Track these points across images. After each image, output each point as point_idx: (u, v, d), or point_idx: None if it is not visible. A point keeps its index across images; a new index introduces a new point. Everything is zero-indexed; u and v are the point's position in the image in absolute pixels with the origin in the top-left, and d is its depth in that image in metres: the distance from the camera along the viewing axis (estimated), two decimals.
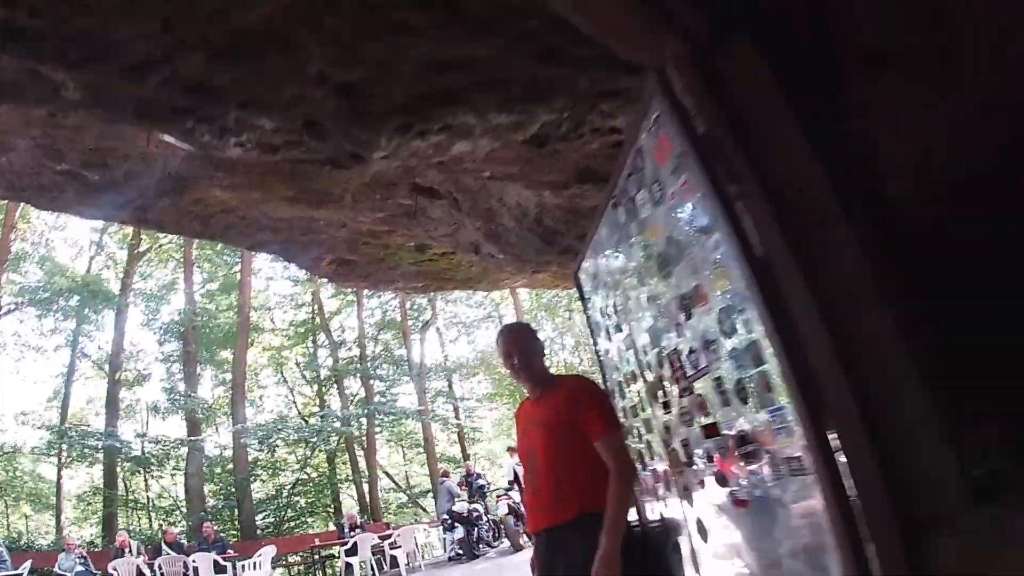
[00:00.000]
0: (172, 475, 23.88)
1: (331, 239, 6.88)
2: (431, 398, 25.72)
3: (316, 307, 27.15)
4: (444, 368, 28.38)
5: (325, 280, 25.81)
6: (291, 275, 27.36)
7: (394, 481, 30.35)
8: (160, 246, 25.24)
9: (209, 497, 22.58)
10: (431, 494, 26.41)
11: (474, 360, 30.25)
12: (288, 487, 23.84)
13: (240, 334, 23.10)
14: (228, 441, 23.70)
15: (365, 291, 26.84)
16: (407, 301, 27.10)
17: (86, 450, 21.23)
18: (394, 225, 6.33)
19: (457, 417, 26.96)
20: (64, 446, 21.26)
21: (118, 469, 21.76)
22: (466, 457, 27.37)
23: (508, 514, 13.61)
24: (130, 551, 13.16)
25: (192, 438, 20.72)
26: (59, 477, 21.74)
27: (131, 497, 23.39)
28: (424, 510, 29.31)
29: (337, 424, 22.85)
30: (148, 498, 24.06)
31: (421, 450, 28.88)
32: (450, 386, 28.65)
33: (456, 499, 15.59)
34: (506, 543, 15.31)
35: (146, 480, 23.86)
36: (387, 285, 8.38)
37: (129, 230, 23.36)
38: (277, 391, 29.37)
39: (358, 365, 26.04)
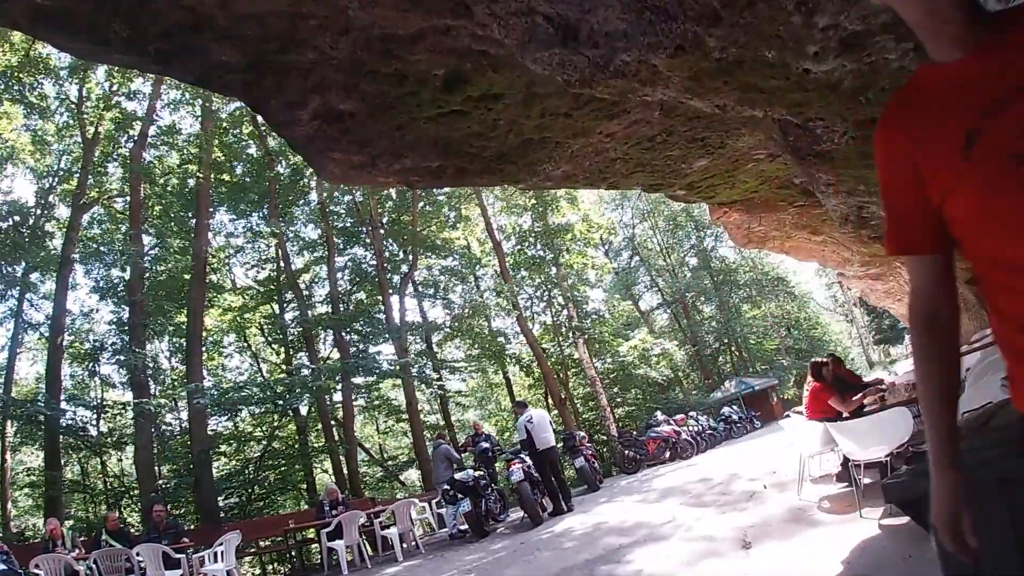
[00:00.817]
0: (118, 451, 21.17)
1: (322, 60, 4.43)
2: (412, 359, 23.32)
3: (281, 262, 24.33)
4: (424, 326, 25.83)
5: (285, 231, 23.72)
6: (251, 225, 24.68)
7: (370, 454, 28.11)
8: (108, 198, 22.32)
9: (167, 477, 19.92)
10: (415, 464, 24.19)
11: (451, 322, 27.85)
12: (254, 462, 21.14)
13: (196, 284, 20.23)
14: (186, 417, 20.95)
15: (337, 249, 24.25)
16: (384, 251, 24.59)
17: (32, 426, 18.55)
18: (427, 15, 3.91)
19: (440, 379, 24.46)
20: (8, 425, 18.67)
21: (61, 447, 18.92)
22: (449, 424, 25.13)
23: (523, 480, 11.44)
24: (62, 543, 10.59)
25: (138, 400, 17.55)
26: (2, 461, 18.87)
27: (76, 479, 20.72)
28: (402, 483, 27.23)
29: (308, 382, 20.07)
30: (106, 481, 21.35)
31: (397, 420, 26.61)
32: (430, 347, 26.17)
33: (456, 465, 13.33)
34: (513, 516, 13.18)
35: (102, 460, 21.11)
36: (388, 168, 5.91)
37: (74, 182, 20.63)
38: (240, 360, 26.77)
39: (331, 317, 23.39)
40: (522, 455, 12.32)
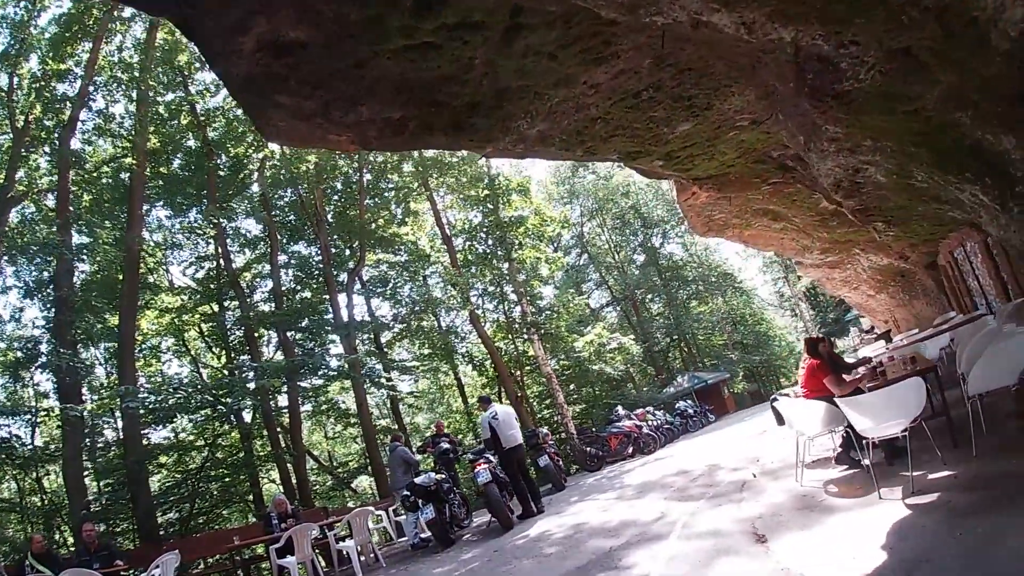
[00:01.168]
0: (44, 466, 19.47)
1: None
2: (361, 358, 22.20)
3: (221, 260, 22.85)
4: (373, 324, 24.64)
5: (225, 227, 22.26)
6: (189, 221, 23.21)
7: (319, 461, 26.85)
8: (38, 192, 20.57)
9: (103, 492, 18.44)
10: (368, 469, 23.06)
11: (401, 320, 26.72)
12: (195, 473, 19.70)
13: (128, 279, 18.72)
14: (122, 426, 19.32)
15: (280, 243, 22.97)
16: (330, 246, 23.44)
17: None
18: None
19: (390, 380, 23.31)
20: None
21: None
22: (402, 428, 24.08)
23: (490, 482, 10.66)
24: None
25: (64, 407, 15.86)
26: None
27: (14, 497, 19.29)
28: (355, 491, 26.08)
29: (252, 384, 18.71)
30: (43, 498, 19.73)
31: (346, 426, 25.42)
32: (379, 346, 25.03)
33: (415, 468, 12.45)
34: (478, 521, 12.40)
35: (37, 476, 19.53)
36: (342, 119, 5.06)
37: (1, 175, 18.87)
38: (180, 366, 25.17)
39: (274, 313, 22.10)
40: (487, 455, 11.54)
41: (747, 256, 54.19)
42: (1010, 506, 4.20)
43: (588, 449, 18.69)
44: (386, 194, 25.60)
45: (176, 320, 22.75)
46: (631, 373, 31.93)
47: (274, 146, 23.68)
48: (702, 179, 9.68)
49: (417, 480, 10.90)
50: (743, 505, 6.75)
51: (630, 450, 18.26)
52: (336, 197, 25.08)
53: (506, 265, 26.22)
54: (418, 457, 13.22)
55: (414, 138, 5.86)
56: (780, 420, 9.76)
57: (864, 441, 5.92)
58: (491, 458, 11.44)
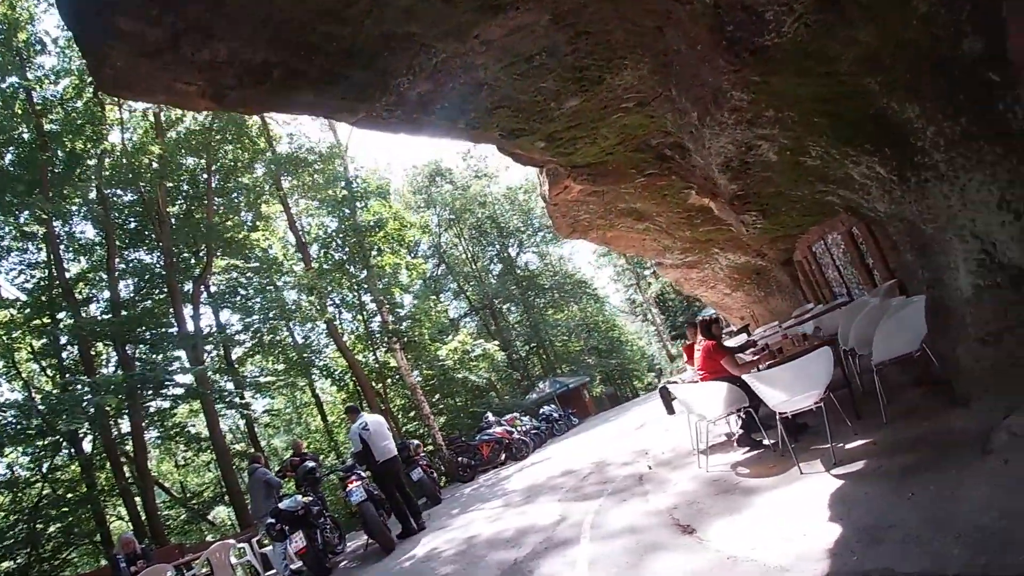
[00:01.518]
0: None
1: None
2: (211, 373, 20.08)
3: (54, 266, 19.79)
4: (221, 336, 22.40)
5: (59, 231, 19.37)
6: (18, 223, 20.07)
7: (170, 493, 24.16)
8: None
9: None
10: (226, 498, 20.88)
11: (253, 333, 24.56)
12: (30, 512, 16.87)
13: None
14: None
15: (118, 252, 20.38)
16: (174, 252, 21.08)
17: None
18: None
19: (242, 398, 21.17)
20: None
21: None
22: (260, 451, 22.06)
23: (365, 500, 9.74)
24: None
25: None
26: None
27: None
28: (212, 524, 23.71)
29: (88, 398, 16.14)
30: None
31: (198, 452, 22.94)
32: (229, 362, 22.81)
33: (279, 492, 11.18)
34: (354, 544, 11.40)
35: None
36: (194, 58, 4.09)
37: None
38: (9, 391, 21.66)
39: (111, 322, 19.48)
40: (358, 470, 10.59)
41: (600, 265, 56.28)
42: (943, 464, 4.19)
43: (459, 459, 18.01)
44: (236, 196, 23.48)
45: (3, 337, 19.47)
46: (493, 381, 31.57)
47: (115, 138, 21.51)
48: (579, 167, 9.39)
49: (282, 505, 9.73)
50: (651, 498, 6.40)
51: (503, 457, 17.80)
52: (181, 199, 22.73)
53: (364, 272, 24.97)
54: (279, 481, 11.83)
55: (278, 91, 5.02)
56: (670, 408, 9.64)
57: (767, 420, 5.75)
58: (363, 474, 10.52)
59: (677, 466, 7.42)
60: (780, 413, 5.61)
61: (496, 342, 30.93)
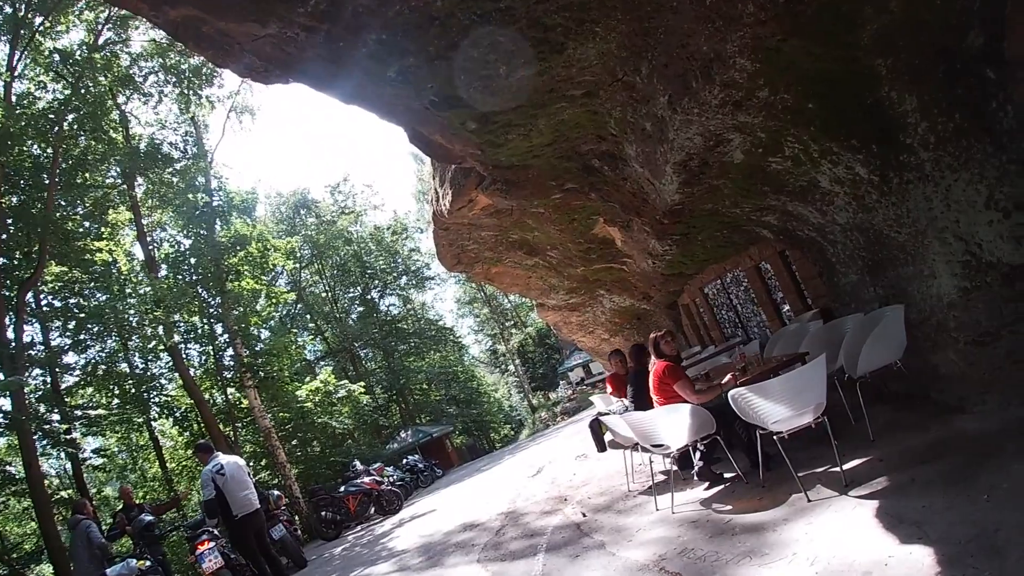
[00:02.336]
0: None
1: None
2: (31, 400, 16.56)
3: None
4: (48, 354, 18.59)
5: None
6: None
7: None
8: None
9: None
10: (44, 555, 17.05)
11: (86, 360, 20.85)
12: None
13: None
14: None
15: None
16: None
17: None
18: None
19: (69, 433, 17.36)
20: None
21: None
22: (87, 496, 18.22)
23: (221, 568, 7.78)
24: None
25: None
26: None
27: None
28: None
29: None
30: None
31: (13, 494, 18.58)
32: (56, 390, 18.87)
33: (106, 553, 8.84)
34: None
35: None
36: None
37: None
38: None
39: None
40: (209, 527, 8.59)
41: (462, 314, 55.66)
42: (986, 465, 3.86)
43: (323, 513, 15.94)
44: (82, 194, 19.98)
45: None
46: (352, 429, 29.21)
47: None
48: (501, 169, 8.35)
49: (110, 572, 7.57)
50: (616, 550, 5.17)
51: (372, 511, 15.98)
52: (18, 191, 18.89)
53: (219, 299, 22.24)
54: (102, 540, 9.37)
55: None
56: (602, 445, 8.53)
57: (776, 436, 4.84)
58: (217, 532, 8.53)
59: (622, 510, 6.30)
60: (776, 434, 4.75)
61: (362, 383, 28.66)
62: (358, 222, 44.01)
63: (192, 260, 22.76)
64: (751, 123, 5.47)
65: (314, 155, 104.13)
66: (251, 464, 23.45)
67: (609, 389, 8.27)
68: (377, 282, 44.58)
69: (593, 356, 23.59)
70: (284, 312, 35.45)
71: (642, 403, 6.57)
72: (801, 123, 5.19)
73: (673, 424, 5.44)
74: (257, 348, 23.43)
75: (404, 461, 23.44)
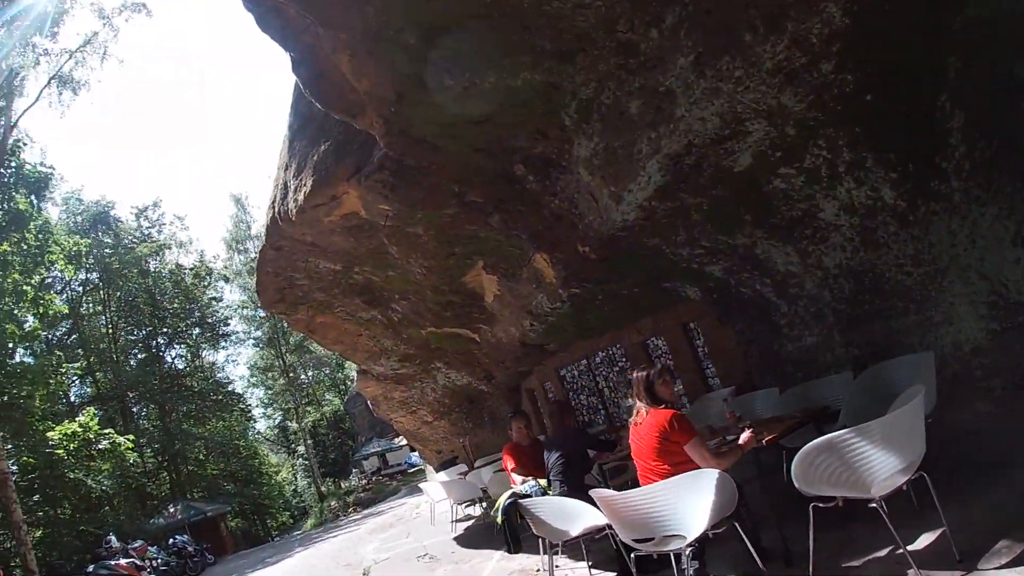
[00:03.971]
0: None
1: None
2: None
3: None
4: None
5: None
6: None
7: None
8: None
9: None
10: None
11: None
12: None
13: None
14: None
15: None
16: None
17: None
18: None
19: None
20: None
21: None
22: None
23: None
24: None
25: None
26: None
27: None
28: None
29: None
30: None
31: None
32: None
33: None
34: None
35: None
36: None
37: None
38: None
39: None
40: None
41: (255, 383, 50.68)
42: None
43: None
44: None
45: None
46: (110, 493, 24.08)
47: None
48: (408, 140, 6.48)
49: None
50: None
51: None
52: None
53: None
54: None
55: None
56: (515, 544, 6.04)
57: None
58: None
59: None
60: (870, 502, 3.36)
61: (131, 437, 23.74)
62: (160, 255, 38.69)
63: None
64: (790, 108, 4.41)
65: (129, 167, 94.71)
66: None
67: (511, 465, 6.25)
68: (167, 328, 39.14)
69: (408, 439, 21.41)
70: (52, 334, 29.68)
71: (574, 479, 5.11)
72: (847, 120, 4.43)
73: (696, 501, 3.65)
74: (7, 365, 18.42)
75: (171, 541, 20.74)
